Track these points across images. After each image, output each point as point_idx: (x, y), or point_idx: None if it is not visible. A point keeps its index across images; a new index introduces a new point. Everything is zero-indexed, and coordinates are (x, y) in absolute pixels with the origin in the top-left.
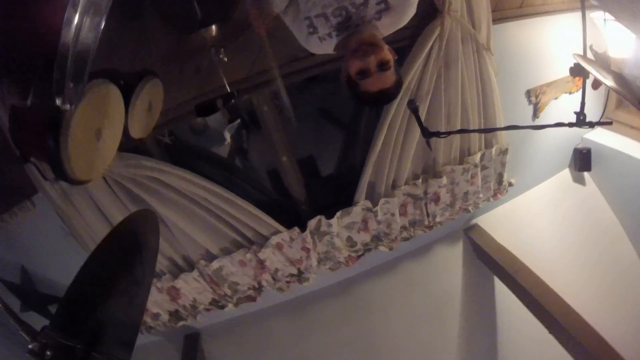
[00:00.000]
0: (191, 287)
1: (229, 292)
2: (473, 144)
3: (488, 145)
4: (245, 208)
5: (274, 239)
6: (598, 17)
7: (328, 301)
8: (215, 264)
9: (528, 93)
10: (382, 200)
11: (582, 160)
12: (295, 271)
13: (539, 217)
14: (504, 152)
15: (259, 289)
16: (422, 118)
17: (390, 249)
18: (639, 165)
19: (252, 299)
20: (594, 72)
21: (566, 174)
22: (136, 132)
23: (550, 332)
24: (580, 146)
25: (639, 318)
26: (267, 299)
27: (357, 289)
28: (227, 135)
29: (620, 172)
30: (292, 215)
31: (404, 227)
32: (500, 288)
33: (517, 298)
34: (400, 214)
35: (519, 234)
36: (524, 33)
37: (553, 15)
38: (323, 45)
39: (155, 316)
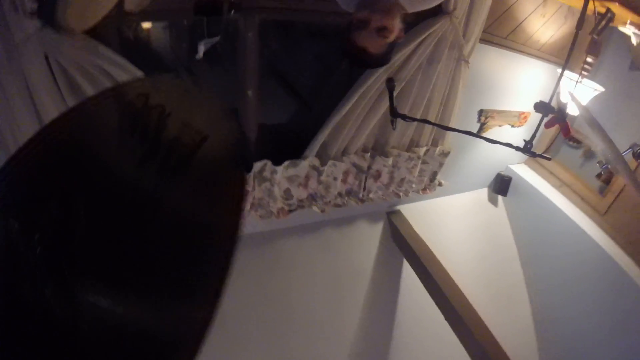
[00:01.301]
0: None
1: None
2: (423, 138)
3: (435, 143)
4: None
5: None
6: (567, 75)
7: (248, 250)
8: None
9: (480, 112)
10: (330, 162)
11: (501, 185)
12: None
13: (453, 221)
14: (445, 154)
15: None
16: None
17: (322, 211)
18: (546, 204)
19: None
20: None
21: (484, 192)
22: (132, 2)
23: (445, 318)
24: (503, 173)
25: (516, 321)
26: None
27: (280, 243)
28: (201, 50)
29: (529, 205)
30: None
31: (340, 194)
32: (407, 271)
33: (421, 282)
34: (341, 180)
35: (434, 229)
36: (499, 61)
37: (527, 57)
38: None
39: None
